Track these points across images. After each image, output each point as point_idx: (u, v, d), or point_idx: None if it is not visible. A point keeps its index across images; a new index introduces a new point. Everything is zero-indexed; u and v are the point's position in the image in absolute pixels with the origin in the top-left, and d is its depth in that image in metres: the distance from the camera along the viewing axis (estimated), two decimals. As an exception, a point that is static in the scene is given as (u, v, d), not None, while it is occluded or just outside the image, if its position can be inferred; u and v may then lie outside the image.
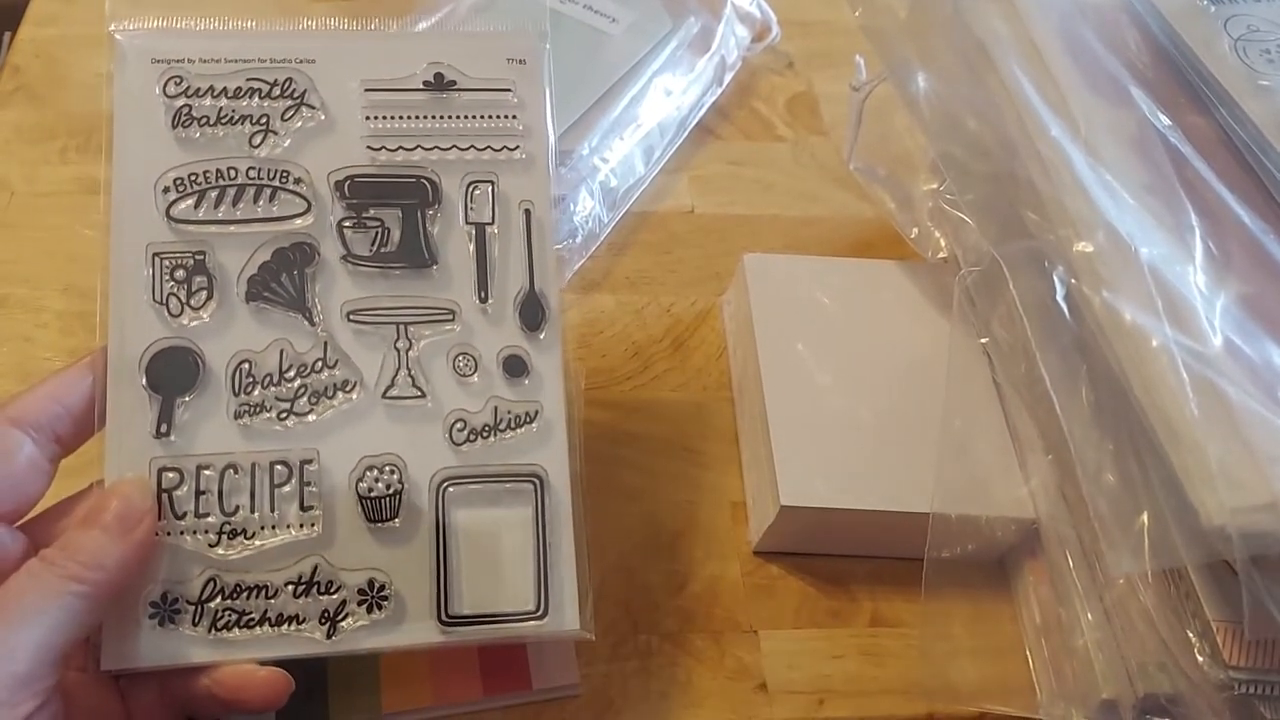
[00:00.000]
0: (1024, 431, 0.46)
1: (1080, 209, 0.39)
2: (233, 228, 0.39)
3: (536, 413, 0.38)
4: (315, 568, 0.36)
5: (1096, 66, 0.44)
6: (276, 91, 0.40)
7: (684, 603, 0.45)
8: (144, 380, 0.37)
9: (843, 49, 0.65)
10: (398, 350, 0.38)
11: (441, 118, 0.41)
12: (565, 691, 0.41)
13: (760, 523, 0.46)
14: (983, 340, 0.47)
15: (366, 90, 0.41)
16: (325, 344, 0.38)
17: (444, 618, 0.36)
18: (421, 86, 0.41)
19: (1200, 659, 0.36)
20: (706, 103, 0.63)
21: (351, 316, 0.39)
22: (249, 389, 0.37)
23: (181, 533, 0.36)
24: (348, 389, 0.38)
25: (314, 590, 0.36)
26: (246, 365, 0.37)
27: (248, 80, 0.40)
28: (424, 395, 0.38)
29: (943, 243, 0.50)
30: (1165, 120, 0.42)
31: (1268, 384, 0.35)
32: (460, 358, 0.39)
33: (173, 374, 0.37)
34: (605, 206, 0.56)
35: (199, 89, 0.40)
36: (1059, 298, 0.41)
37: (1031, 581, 0.45)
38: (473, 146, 0.41)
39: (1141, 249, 0.38)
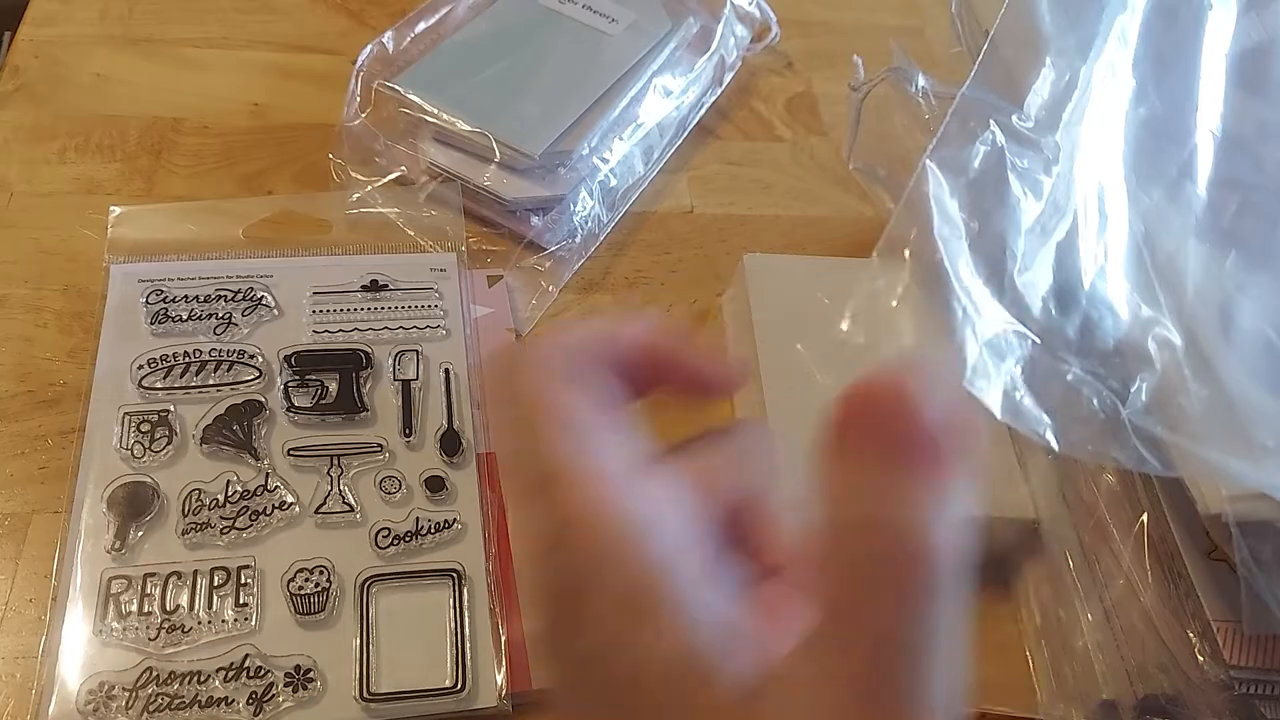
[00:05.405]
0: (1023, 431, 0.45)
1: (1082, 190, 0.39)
2: (193, 392, 0.45)
3: (454, 520, 0.43)
4: (246, 656, 0.39)
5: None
6: (240, 297, 0.48)
7: (684, 603, 0.45)
8: (104, 507, 0.42)
9: (842, 49, 0.65)
10: (330, 477, 0.44)
11: (375, 309, 0.49)
12: (565, 691, 0.41)
13: (760, 523, 0.46)
14: (982, 340, 0.47)
15: (314, 294, 0.49)
16: (267, 475, 0.43)
17: (365, 695, 0.39)
18: (360, 290, 0.50)
19: (1200, 659, 0.36)
20: (706, 103, 0.63)
21: (291, 452, 0.44)
22: (197, 511, 0.42)
23: (125, 630, 0.39)
24: (285, 508, 0.43)
25: (243, 675, 0.38)
26: (197, 493, 0.43)
27: (216, 290, 0.48)
28: (353, 510, 0.43)
29: (943, 243, 0.50)
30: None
31: (1265, 373, 0.35)
32: (386, 480, 0.44)
33: (131, 502, 0.42)
34: (605, 206, 0.56)
35: (175, 297, 0.48)
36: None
37: (1031, 581, 0.45)
38: (401, 327, 0.49)
39: (1138, 229, 0.38)
